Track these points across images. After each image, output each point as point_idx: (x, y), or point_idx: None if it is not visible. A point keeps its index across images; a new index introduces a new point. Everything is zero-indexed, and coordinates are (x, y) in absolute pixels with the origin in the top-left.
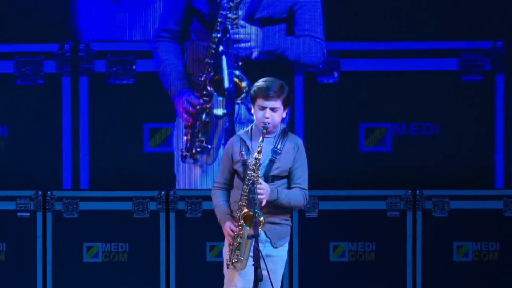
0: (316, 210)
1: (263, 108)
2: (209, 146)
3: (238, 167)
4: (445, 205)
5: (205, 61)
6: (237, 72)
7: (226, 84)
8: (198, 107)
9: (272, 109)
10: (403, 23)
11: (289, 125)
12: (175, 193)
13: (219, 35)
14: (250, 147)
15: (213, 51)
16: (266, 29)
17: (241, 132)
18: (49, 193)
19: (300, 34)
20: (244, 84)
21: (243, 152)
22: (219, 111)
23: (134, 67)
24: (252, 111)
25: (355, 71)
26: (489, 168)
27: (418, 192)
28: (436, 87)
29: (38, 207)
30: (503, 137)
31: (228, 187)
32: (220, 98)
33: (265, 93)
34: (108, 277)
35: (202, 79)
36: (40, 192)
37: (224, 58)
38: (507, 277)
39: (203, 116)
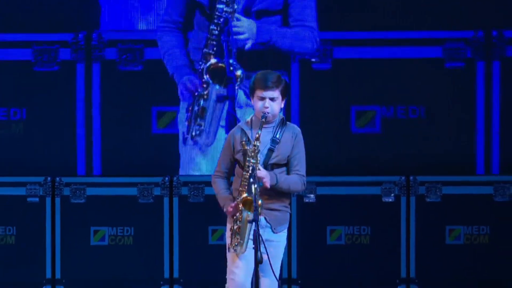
0: (314, 196)
1: (262, 99)
2: (207, 130)
3: (239, 156)
4: (438, 191)
5: (204, 51)
6: (231, 61)
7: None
8: (198, 88)
9: (271, 99)
10: (393, 14)
11: (286, 109)
12: (179, 179)
13: (217, 27)
14: (250, 137)
15: (211, 41)
16: (262, 20)
17: (242, 123)
18: (57, 179)
19: (294, 25)
20: (238, 72)
21: (244, 142)
22: (222, 92)
23: (142, 54)
24: (252, 101)
25: (347, 58)
26: (471, 148)
27: (411, 178)
28: (422, 73)
29: (47, 192)
30: (483, 119)
31: (228, 176)
32: (217, 87)
33: (264, 83)
34: (114, 259)
35: (201, 68)
36: (49, 178)
37: (224, 46)
38: (497, 259)
39: (201, 102)
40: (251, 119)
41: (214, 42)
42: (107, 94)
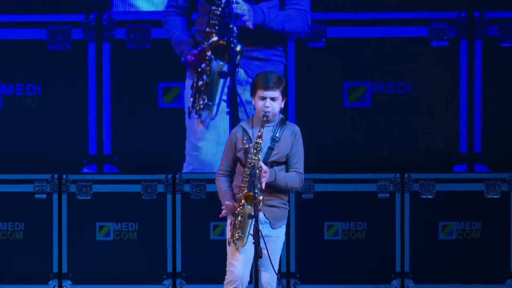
0: (312, 192)
1: (263, 98)
2: (210, 103)
3: (241, 154)
4: (431, 188)
5: (206, 30)
6: (231, 39)
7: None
8: (200, 69)
9: (272, 99)
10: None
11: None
12: (181, 177)
13: (218, 7)
14: (251, 136)
15: (212, 21)
16: (261, 4)
17: (243, 122)
18: (64, 176)
19: (288, 8)
20: (238, 48)
21: (245, 141)
22: (220, 65)
23: (149, 34)
24: (253, 101)
25: (339, 37)
26: (455, 121)
27: (406, 175)
28: (409, 51)
29: (54, 189)
30: (466, 93)
31: (231, 174)
32: (221, 62)
33: (265, 84)
34: (119, 254)
35: (204, 46)
36: (56, 176)
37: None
38: (488, 254)
39: (205, 77)
40: (252, 118)
41: (216, 22)
42: (117, 71)
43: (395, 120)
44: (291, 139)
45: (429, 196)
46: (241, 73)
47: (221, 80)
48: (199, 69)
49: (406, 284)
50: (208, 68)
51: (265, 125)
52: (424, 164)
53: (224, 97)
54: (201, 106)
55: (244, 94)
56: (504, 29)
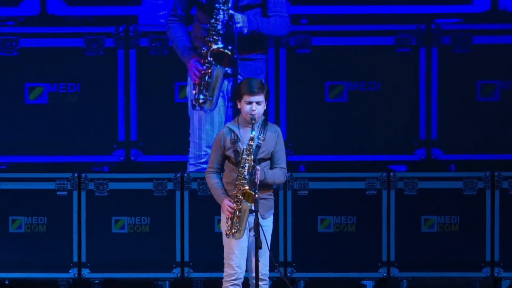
0: (307, 190)
1: (249, 103)
2: (211, 98)
3: (230, 153)
4: (414, 185)
5: (206, 39)
6: (230, 47)
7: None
8: (202, 72)
9: (257, 103)
10: (357, 14)
11: (275, 83)
12: (189, 175)
13: (216, 21)
14: (238, 135)
15: (211, 32)
16: (247, 13)
17: (229, 123)
18: (83, 175)
19: (271, 15)
20: (232, 54)
21: (233, 140)
22: (221, 70)
23: (167, 43)
24: (239, 105)
25: (322, 45)
26: (415, 115)
27: (391, 174)
28: (379, 56)
29: (74, 187)
30: (425, 91)
31: (220, 171)
32: (218, 66)
33: (250, 90)
34: (132, 245)
35: (204, 51)
36: (76, 174)
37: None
38: (466, 245)
39: (206, 78)
40: (238, 119)
41: (214, 33)
42: (141, 73)
43: (368, 112)
44: (275, 138)
45: (412, 193)
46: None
47: (220, 80)
48: (202, 72)
49: (391, 272)
50: (209, 71)
51: (251, 126)
52: (389, 145)
53: (222, 94)
54: (203, 100)
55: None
56: (456, 38)
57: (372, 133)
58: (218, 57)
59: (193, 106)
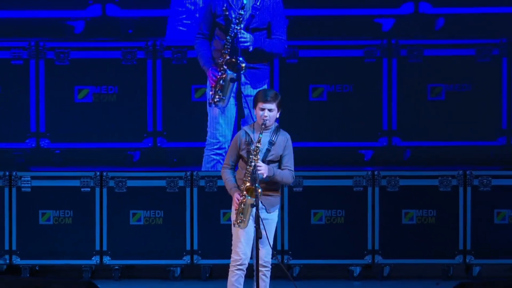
0: (301, 186)
1: (262, 109)
2: (224, 98)
3: (244, 153)
4: (396, 183)
5: (222, 51)
6: (240, 58)
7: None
8: (218, 76)
9: (269, 110)
10: (334, 29)
11: (270, 86)
12: (198, 174)
13: (230, 38)
14: (252, 138)
15: (226, 46)
16: (256, 34)
17: (245, 127)
18: (104, 173)
19: (273, 37)
20: (243, 65)
21: (247, 142)
22: (231, 75)
23: (186, 54)
24: (254, 112)
25: (307, 56)
26: (379, 110)
27: (376, 172)
28: (352, 65)
29: (96, 184)
30: (387, 91)
31: (233, 168)
32: (230, 72)
33: (264, 98)
34: (148, 235)
35: (220, 61)
36: (98, 173)
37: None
38: (441, 235)
39: (221, 82)
40: (253, 124)
41: (228, 47)
42: (165, 78)
43: (343, 109)
44: (284, 143)
45: (394, 190)
46: (242, 77)
47: (231, 83)
48: (218, 77)
49: (376, 259)
50: (223, 76)
51: (264, 131)
52: (359, 134)
53: (233, 94)
54: (218, 99)
55: (245, 90)
56: (411, 51)
57: (345, 125)
58: (231, 65)
59: (210, 104)
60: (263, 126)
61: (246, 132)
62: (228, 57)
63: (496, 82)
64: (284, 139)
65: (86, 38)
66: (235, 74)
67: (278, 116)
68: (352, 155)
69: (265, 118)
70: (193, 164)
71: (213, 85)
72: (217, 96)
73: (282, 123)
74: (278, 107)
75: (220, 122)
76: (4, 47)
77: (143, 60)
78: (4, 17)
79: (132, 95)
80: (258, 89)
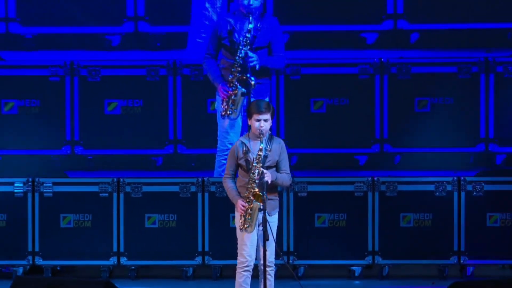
0: (306, 192)
1: (258, 120)
2: (236, 111)
3: (242, 162)
4: (394, 188)
5: (232, 70)
6: (251, 77)
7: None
8: (230, 92)
9: (265, 120)
10: (332, 49)
11: (277, 99)
12: (208, 180)
13: (239, 58)
14: (249, 147)
15: (236, 65)
16: (258, 52)
17: (242, 138)
18: (121, 179)
19: (274, 54)
20: (253, 82)
21: (245, 151)
22: (243, 91)
23: (202, 72)
24: (249, 122)
25: (308, 73)
26: (372, 121)
27: (376, 178)
28: (347, 81)
29: (114, 189)
30: (379, 103)
31: (234, 176)
32: (240, 88)
33: (259, 109)
34: (162, 237)
35: (231, 78)
36: (115, 179)
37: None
38: (437, 237)
39: (233, 97)
40: (248, 134)
41: (237, 65)
42: (184, 93)
43: (340, 120)
44: (279, 149)
45: (393, 195)
46: (252, 93)
47: (242, 98)
48: (230, 92)
49: (376, 259)
50: (235, 91)
51: (259, 140)
52: (354, 142)
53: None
54: (230, 112)
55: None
56: (400, 69)
57: (342, 133)
58: (242, 82)
59: (222, 117)
60: (260, 136)
61: (242, 142)
62: (239, 75)
63: (475, 96)
64: (278, 146)
65: (120, 50)
66: (245, 90)
67: (271, 124)
68: (348, 160)
69: (261, 128)
70: (208, 168)
71: (225, 99)
72: (229, 109)
73: (288, 132)
74: (271, 116)
75: (228, 131)
76: (43, 65)
77: (165, 77)
78: (48, 32)
79: (155, 108)
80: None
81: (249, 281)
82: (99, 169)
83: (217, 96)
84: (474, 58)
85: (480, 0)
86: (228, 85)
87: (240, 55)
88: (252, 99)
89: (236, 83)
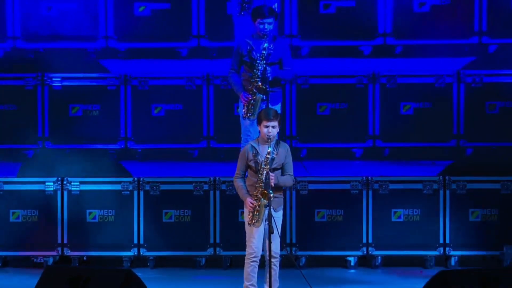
0: (307, 190)
1: (267, 127)
2: (254, 113)
3: (252, 163)
4: (386, 187)
5: (251, 80)
6: (264, 84)
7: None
8: (249, 99)
9: (273, 127)
10: (333, 65)
11: (289, 105)
12: (219, 179)
13: (257, 71)
14: (258, 151)
15: (254, 76)
16: (272, 67)
17: (252, 142)
18: (141, 179)
19: (285, 68)
20: (267, 89)
21: (254, 154)
22: (260, 97)
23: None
24: (259, 128)
25: (315, 83)
26: (365, 122)
27: (370, 178)
28: (347, 89)
29: (134, 188)
30: (372, 107)
31: (243, 176)
32: (260, 95)
33: (268, 117)
34: (178, 231)
35: (250, 87)
36: (136, 178)
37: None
38: (424, 230)
39: (252, 101)
40: (258, 139)
41: (256, 77)
42: (216, 99)
43: (341, 122)
44: (285, 153)
45: (385, 192)
46: (269, 98)
47: (260, 102)
48: (250, 99)
49: (369, 250)
50: (254, 97)
51: (267, 144)
52: (351, 138)
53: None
54: (250, 114)
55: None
56: (388, 79)
57: (342, 131)
58: (260, 90)
59: (244, 118)
60: (269, 140)
61: (252, 146)
62: (256, 84)
63: (449, 101)
64: (284, 150)
65: (189, 58)
66: (262, 96)
67: (278, 130)
68: (346, 153)
69: (269, 134)
70: (234, 159)
71: (246, 104)
72: (249, 112)
73: (299, 130)
74: (279, 123)
75: (250, 129)
76: (102, 77)
77: (200, 86)
78: (135, 47)
79: (192, 110)
80: (273, 106)
81: (256, 270)
82: (146, 160)
83: (239, 103)
84: (448, 71)
85: (443, 24)
86: (248, 93)
87: (258, 67)
88: (267, 104)
89: (254, 90)
